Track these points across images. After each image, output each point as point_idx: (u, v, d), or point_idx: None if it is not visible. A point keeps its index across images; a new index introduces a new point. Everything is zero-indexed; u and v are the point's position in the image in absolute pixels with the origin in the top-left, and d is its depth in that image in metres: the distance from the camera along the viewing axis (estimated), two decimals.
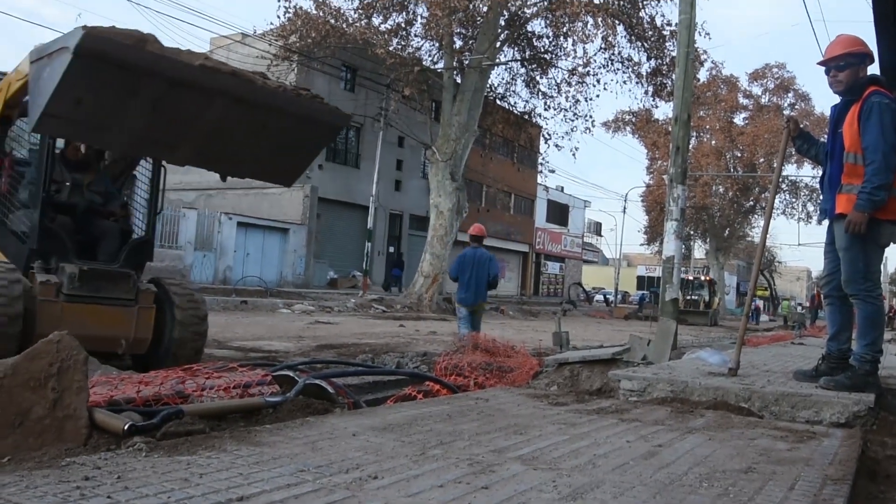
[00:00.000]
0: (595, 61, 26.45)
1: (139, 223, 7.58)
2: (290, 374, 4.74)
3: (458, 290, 9.78)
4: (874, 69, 5.07)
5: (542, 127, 30.17)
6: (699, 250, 57.10)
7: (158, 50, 5.20)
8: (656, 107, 57.87)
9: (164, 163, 7.22)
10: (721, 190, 48.71)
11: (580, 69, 26.46)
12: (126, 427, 3.00)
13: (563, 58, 26.95)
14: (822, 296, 5.50)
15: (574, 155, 54.77)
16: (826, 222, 5.04)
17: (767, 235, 6.20)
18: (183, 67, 5.30)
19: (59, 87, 4.90)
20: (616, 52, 25.77)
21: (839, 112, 4.87)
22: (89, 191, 7.11)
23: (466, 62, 25.59)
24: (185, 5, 70.04)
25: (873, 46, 6.67)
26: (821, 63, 4.95)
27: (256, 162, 6.39)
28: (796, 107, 47.33)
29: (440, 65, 26.73)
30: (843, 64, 4.79)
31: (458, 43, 26.01)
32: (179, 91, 5.39)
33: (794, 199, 48.19)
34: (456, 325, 10.79)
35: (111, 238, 7.07)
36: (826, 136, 5.20)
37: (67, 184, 6.94)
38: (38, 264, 6.45)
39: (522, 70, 28.16)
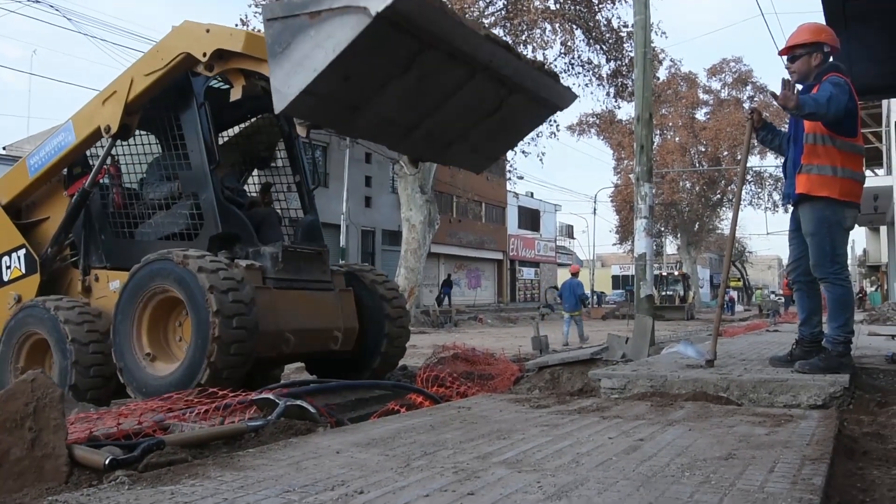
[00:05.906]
0: (556, 66, 26.65)
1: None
2: (271, 396, 4.71)
3: (562, 303, 17.52)
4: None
5: None
6: (671, 246, 57.61)
7: (455, 14, 4.34)
8: (619, 107, 58.60)
9: (301, 135, 6.37)
10: (688, 185, 49.23)
11: None
12: (107, 461, 2.98)
13: None
14: (789, 282, 5.57)
15: (541, 160, 55.43)
16: (791, 208, 5.12)
17: (737, 227, 6.30)
18: (471, 37, 4.42)
19: (338, 59, 3.83)
20: (576, 56, 25.92)
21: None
22: (224, 187, 6.38)
23: None
24: (149, 38, 69.41)
25: None
26: (779, 54, 5.08)
27: (465, 145, 5.49)
28: (755, 99, 47.93)
29: None
30: (795, 55, 4.92)
31: None
32: (452, 64, 4.52)
33: (759, 190, 48.78)
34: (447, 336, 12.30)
35: (271, 223, 6.43)
36: (787, 126, 5.30)
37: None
38: (224, 254, 5.61)
39: None
